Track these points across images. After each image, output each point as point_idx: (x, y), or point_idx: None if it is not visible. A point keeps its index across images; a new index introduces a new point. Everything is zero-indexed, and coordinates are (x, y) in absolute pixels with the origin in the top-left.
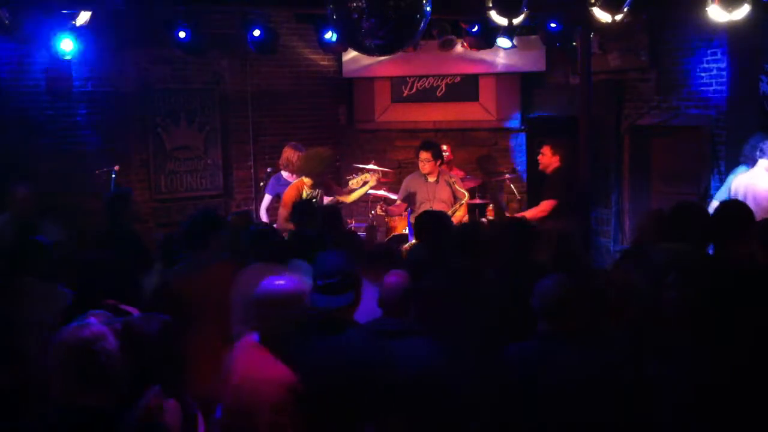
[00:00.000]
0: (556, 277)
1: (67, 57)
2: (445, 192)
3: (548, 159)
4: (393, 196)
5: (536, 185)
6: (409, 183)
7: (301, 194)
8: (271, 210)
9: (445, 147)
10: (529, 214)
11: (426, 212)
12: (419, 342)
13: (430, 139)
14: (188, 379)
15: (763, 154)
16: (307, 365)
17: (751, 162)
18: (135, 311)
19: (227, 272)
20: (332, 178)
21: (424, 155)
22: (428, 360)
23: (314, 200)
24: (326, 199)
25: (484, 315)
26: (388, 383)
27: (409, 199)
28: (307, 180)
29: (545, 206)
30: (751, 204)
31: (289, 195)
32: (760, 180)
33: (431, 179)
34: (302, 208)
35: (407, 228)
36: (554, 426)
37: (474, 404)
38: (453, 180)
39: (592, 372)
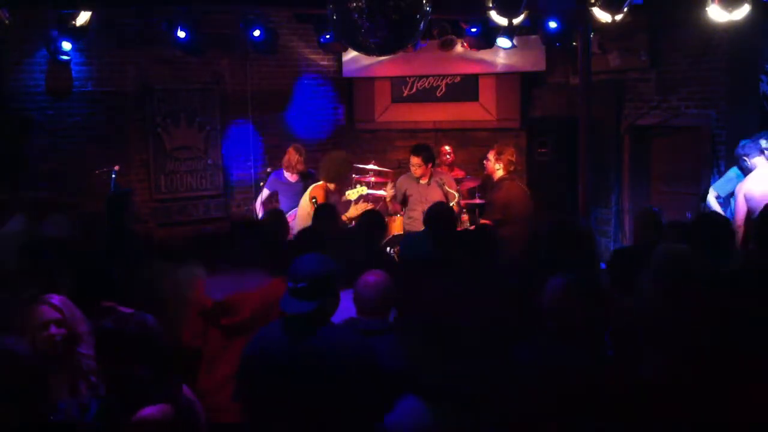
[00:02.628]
0: (565, 277)
1: (67, 57)
2: (437, 194)
3: (491, 166)
4: None
5: (535, 185)
6: (401, 183)
7: (327, 197)
8: (267, 204)
9: (447, 148)
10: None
11: (437, 205)
12: (394, 339)
13: (420, 143)
14: (189, 379)
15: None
16: (278, 368)
17: (741, 163)
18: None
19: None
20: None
21: (415, 160)
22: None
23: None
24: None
25: (490, 315)
26: (366, 379)
27: (402, 200)
28: (331, 185)
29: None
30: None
31: (318, 195)
32: None
33: (423, 181)
34: (324, 213)
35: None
36: (557, 426)
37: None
38: (443, 182)
39: (596, 372)
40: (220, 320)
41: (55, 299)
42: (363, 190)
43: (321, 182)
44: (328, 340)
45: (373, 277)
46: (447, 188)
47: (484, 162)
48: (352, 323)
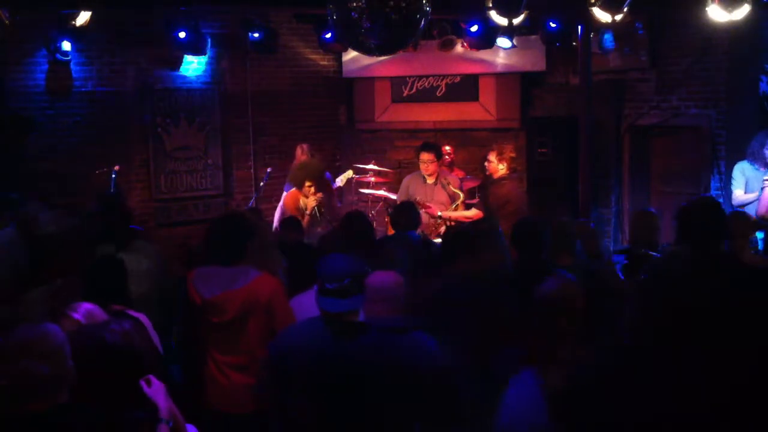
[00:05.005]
0: (559, 276)
1: (67, 57)
2: (443, 194)
3: (494, 166)
4: (393, 196)
5: (535, 185)
6: (408, 184)
7: (297, 203)
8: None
9: (448, 148)
10: (455, 215)
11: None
12: (423, 336)
13: (428, 142)
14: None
15: None
16: (330, 372)
17: (760, 160)
18: (143, 316)
19: (273, 285)
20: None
21: (428, 156)
22: (437, 353)
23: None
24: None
25: (491, 319)
26: (413, 380)
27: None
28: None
29: (472, 215)
30: None
31: (286, 203)
32: None
33: (430, 181)
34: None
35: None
36: (554, 425)
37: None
38: (448, 182)
39: (591, 373)
40: (210, 318)
41: (79, 312)
42: (349, 173)
43: (295, 189)
44: (378, 339)
45: (388, 277)
46: (452, 188)
47: (486, 164)
48: (381, 322)
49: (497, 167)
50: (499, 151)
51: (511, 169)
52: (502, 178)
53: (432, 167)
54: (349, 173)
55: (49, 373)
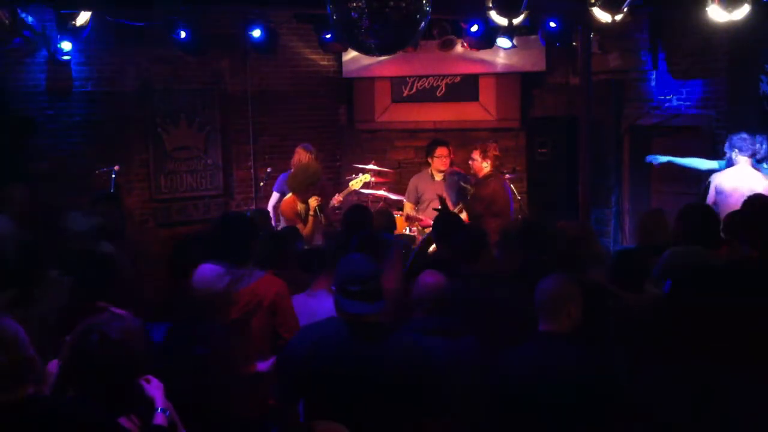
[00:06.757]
0: (557, 276)
1: (67, 57)
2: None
3: (478, 165)
4: (393, 196)
5: (535, 186)
6: (416, 183)
7: (296, 209)
8: (279, 207)
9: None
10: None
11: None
12: (469, 340)
13: (437, 138)
14: None
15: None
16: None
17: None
18: (127, 314)
19: (277, 285)
20: (327, 187)
21: (444, 151)
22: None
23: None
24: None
25: (499, 321)
26: (432, 380)
27: (417, 199)
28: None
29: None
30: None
31: (284, 210)
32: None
33: (438, 177)
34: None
35: (407, 229)
36: (552, 427)
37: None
38: (456, 178)
39: (588, 373)
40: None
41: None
42: (366, 177)
43: (289, 195)
44: (403, 341)
45: (432, 278)
46: (462, 183)
47: (470, 162)
48: (419, 323)
49: (481, 165)
50: (482, 149)
51: (496, 168)
52: (486, 177)
53: (448, 161)
54: (366, 177)
55: (6, 362)
